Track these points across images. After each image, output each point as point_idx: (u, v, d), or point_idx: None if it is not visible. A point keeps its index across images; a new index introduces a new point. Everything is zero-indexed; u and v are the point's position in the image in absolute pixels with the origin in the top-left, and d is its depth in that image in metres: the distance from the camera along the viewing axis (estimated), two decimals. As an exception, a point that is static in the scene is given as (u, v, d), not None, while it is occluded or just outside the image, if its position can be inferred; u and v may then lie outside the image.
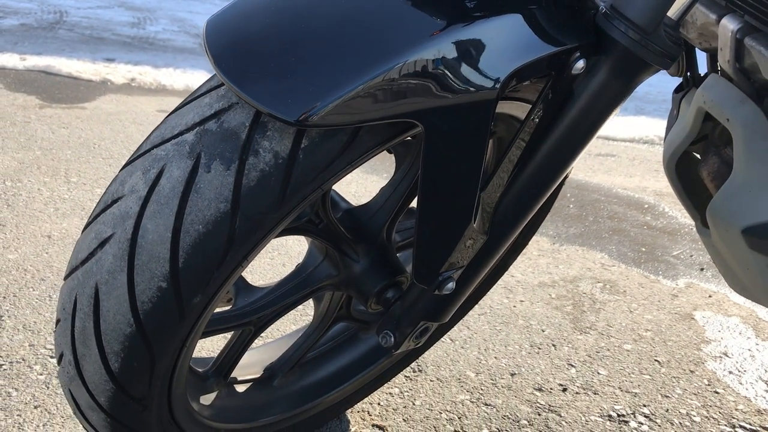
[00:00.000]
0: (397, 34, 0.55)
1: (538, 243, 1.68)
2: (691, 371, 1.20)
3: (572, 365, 1.19)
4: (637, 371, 1.19)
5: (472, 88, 0.57)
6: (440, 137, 0.58)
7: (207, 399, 0.78)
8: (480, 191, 0.64)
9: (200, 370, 0.79)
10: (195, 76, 3.14)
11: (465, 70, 0.57)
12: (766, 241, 0.77)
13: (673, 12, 0.60)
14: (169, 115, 0.60)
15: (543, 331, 1.29)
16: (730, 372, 1.21)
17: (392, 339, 0.74)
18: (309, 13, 0.56)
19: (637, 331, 1.31)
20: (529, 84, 0.66)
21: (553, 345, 1.24)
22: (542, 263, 1.58)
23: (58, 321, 0.61)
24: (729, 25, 0.77)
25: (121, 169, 0.59)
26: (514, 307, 1.37)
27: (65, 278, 0.61)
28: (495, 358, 1.19)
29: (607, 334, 1.30)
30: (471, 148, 0.60)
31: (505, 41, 0.58)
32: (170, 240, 0.53)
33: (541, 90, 0.63)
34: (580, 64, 0.61)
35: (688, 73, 0.94)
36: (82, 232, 0.60)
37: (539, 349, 1.23)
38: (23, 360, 1.06)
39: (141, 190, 0.55)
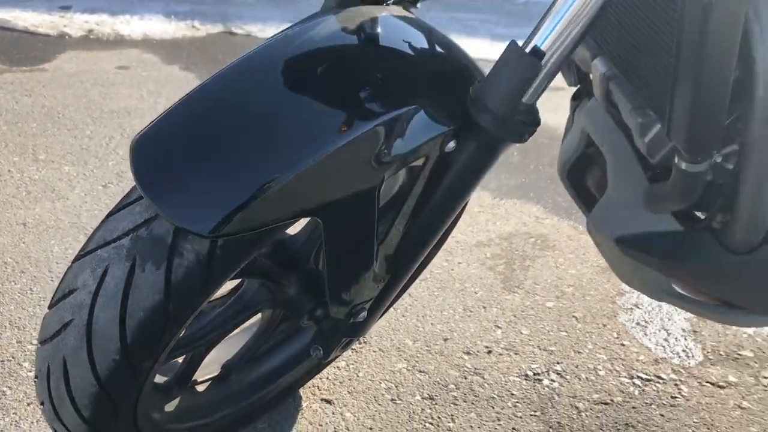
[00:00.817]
0: (290, 144, 0.67)
1: (480, 198, 1.83)
2: (604, 325, 1.37)
3: (499, 327, 1.36)
4: (556, 329, 1.36)
5: (360, 182, 0.70)
6: (336, 224, 0.70)
7: (171, 406, 0.94)
8: (379, 244, 0.78)
9: (162, 381, 0.94)
10: (152, 23, 3.15)
11: (354, 167, 0.69)
12: (635, 249, 0.91)
13: (527, 98, 0.72)
14: (107, 216, 0.72)
15: (476, 293, 1.45)
16: (638, 323, 1.38)
17: (321, 352, 0.89)
18: (217, 130, 0.67)
19: (561, 288, 1.48)
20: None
21: (484, 307, 1.41)
22: (482, 220, 1.73)
23: (36, 376, 0.75)
24: (599, 66, 0.89)
25: (74, 262, 0.72)
26: (452, 270, 1.52)
27: (39, 344, 0.75)
28: (431, 324, 1.35)
29: (533, 292, 1.46)
30: (363, 224, 0.73)
31: (391, 136, 0.70)
32: (118, 324, 0.67)
33: (422, 164, 0.76)
34: (452, 144, 0.73)
35: (579, 86, 1.05)
36: (49, 309, 0.73)
37: (471, 312, 1.39)
38: (13, 358, 1.21)
39: (91, 286, 0.68)
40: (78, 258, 0.72)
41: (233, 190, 0.64)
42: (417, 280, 1.44)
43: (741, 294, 0.90)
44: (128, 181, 1.85)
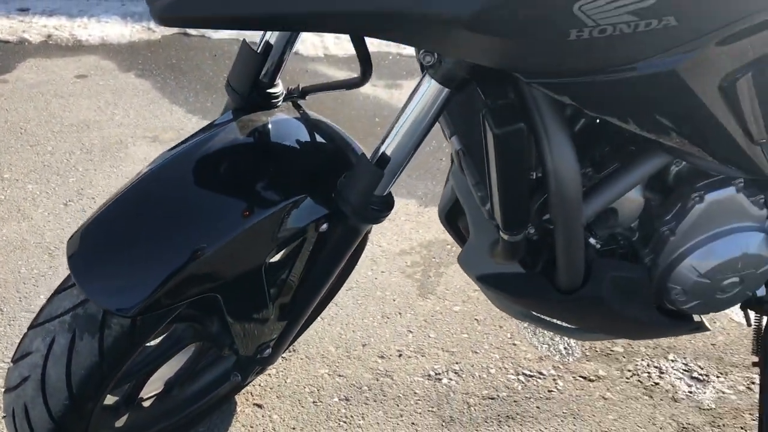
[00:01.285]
0: (194, 237, 0.87)
1: (406, 207, 2.03)
2: (500, 327, 1.60)
3: (411, 331, 1.58)
4: (459, 331, 1.58)
5: (250, 262, 0.90)
6: (232, 296, 0.91)
7: (120, 422, 1.15)
8: (273, 300, 0.99)
9: (112, 402, 1.15)
10: (109, 26, 3.28)
11: (245, 251, 0.89)
12: (492, 286, 1.13)
13: (378, 191, 0.92)
14: (53, 295, 0.92)
15: (394, 300, 1.67)
16: (529, 325, 1.61)
17: (239, 377, 1.11)
18: (135, 228, 0.87)
19: (467, 292, 1.70)
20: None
21: (399, 313, 1.63)
22: (406, 229, 1.94)
23: (5, 416, 0.96)
24: (454, 143, 1.09)
25: (29, 329, 0.92)
26: (375, 279, 1.74)
27: (4, 392, 0.95)
28: (353, 331, 1.58)
29: (443, 297, 1.69)
30: (255, 293, 0.93)
31: (278, 222, 0.90)
32: (65, 379, 0.88)
33: (299, 242, 0.96)
34: (325, 226, 0.94)
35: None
36: (12, 363, 0.94)
37: (388, 318, 1.61)
38: (-11, 376, 1.42)
39: (42, 350, 0.89)
40: (31, 327, 0.92)
41: (147, 278, 0.84)
42: (344, 290, 1.66)
43: (574, 320, 1.13)
44: (87, 199, 2.03)
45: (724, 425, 1.36)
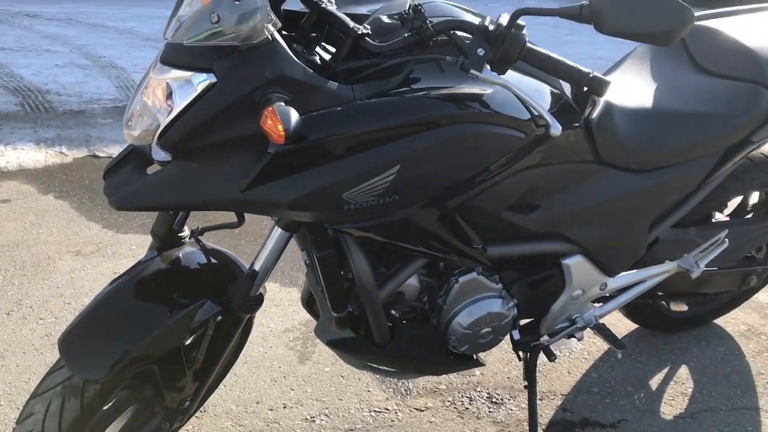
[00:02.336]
0: (137, 332, 1.40)
1: (290, 294, 2.60)
2: (359, 379, 2.17)
3: (293, 389, 2.13)
4: (328, 386, 2.14)
5: (173, 343, 1.44)
6: (164, 367, 1.45)
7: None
8: (192, 365, 1.53)
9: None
10: (25, 152, 3.74)
11: (169, 337, 1.43)
12: (335, 347, 1.70)
13: (253, 292, 1.49)
14: (48, 374, 1.43)
15: (280, 367, 2.22)
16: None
17: (168, 425, 1.62)
18: (100, 324, 1.40)
19: (335, 357, 2.26)
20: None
21: (284, 376, 2.18)
22: (290, 311, 2.50)
23: (12, 462, 1.44)
24: (304, 256, 1.68)
25: (30, 399, 1.42)
26: (265, 352, 2.28)
27: None
28: (249, 393, 2.10)
29: (317, 362, 2.25)
30: (178, 365, 1.48)
31: (186, 319, 1.45)
32: (57, 429, 1.38)
33: (204, 329, 1.52)
34: (219, 318, 1.49)
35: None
36: (17, 423, 1.42)
37: (275, 381, 2.16)
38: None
39: (42, 411, 1.39)
40: (33, 396, 1.42)
41: (110, 357, 1.37)
42: (240, 363, 2.19)
43: (391, 365, 1.72)
44: (26, 308, 2.48)
45: (510, 430, 1.97)
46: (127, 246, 2.91)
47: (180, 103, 1.24)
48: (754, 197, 2.17)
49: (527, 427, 1.90)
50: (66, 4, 8.08)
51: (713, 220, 2.07)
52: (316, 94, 1.24)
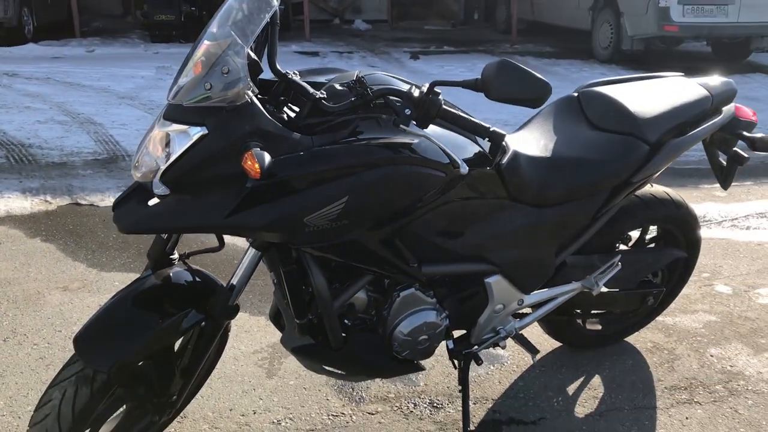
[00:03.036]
0: (135, 332, 1.74)
1: (258, 321, 2.94)
2: (319, 390, 2.50)
3: (261, 399, 2.45)
4: (293, 396, 2.47)
5: (164, 346, 1.78)
6: (158, 366, 1.79)
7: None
8: (179, 364, 1.86)
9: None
10: (12, 201, 4.05)
11: (160, 340, 1.77)
12: (297, 354, 2.04)
13: (231, 302, 1.84)
14: (64, 367, 1.75)
15: (250, 381, 2.54)
16: (335, 384, 2.53)
17: (157, 418, 1.94)
18: (108, 326, 1.74)
19: (299, 372, 2.60)
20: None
21: (253, 389, 2.50)
22: (258, 336, 2.84)
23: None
24: (272, 276, 2.04)
25: (48, 388, 1.74)
26: (237, 369, 2.61)
27: (32, 426, 1.74)
28: (223, 402, 2.42)
29: (282, 376, 2.58)
30: (169, 364, 1.82)
31: (175, 325, 1.79)
32: (71, 413, 1.69)
33: (191, 334, 1.86)
34: (203, 324, 1.84)
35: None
36: (36, 410, 1.74)
37: (245, 392, 2.48)
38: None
39: (59, 397, 1.71)
40: (51, 386, 1.74)
41: (116, 353, 1.70)
42: (215, 378, 2.51)
43: (344, 368, 2.06)
44: (20, 336, 2.78)
45: (447, 428, 2.32)
46: (111, 282, 3.22)
47: (179, 149, 1.62)
48: (653, 231, 2.60)
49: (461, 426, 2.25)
50: (42, 64, 8.45)
51: (616, 250, 2.48)
52: (284, 142, 1.63)
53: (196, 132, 1.61)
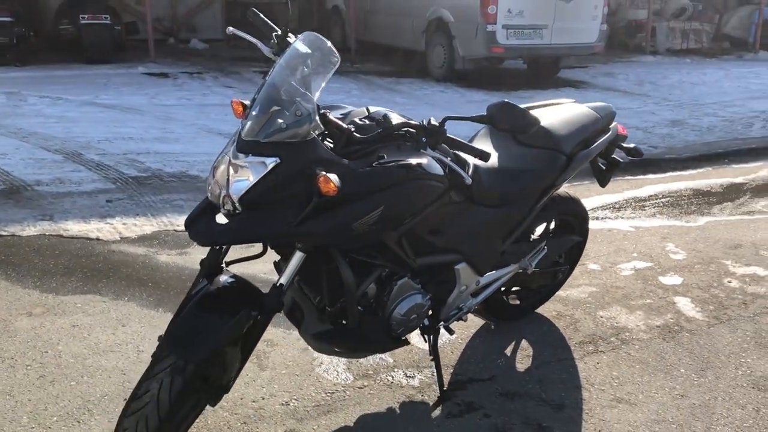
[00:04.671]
0: (210, 328, 2.11)
1: (230, 325, 3.29)
2: (317, 379, 2.94)
3: (263, 387, 2.84)
4: (289, 381, 2.89)
5: (234, 335, 2.18)
6: (230, 348, 2.18)
7: None
8: (238, 346, 2.25)
9: None
10: None
11: (232, 332, 2.16)
12: (316, 338, 2.49)
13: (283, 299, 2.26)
14: (153, 363, 2.08)
15: (248, 375, 2.92)
16: (323, 364, 2.99)
17: (212, 403, 2.30)
18: (189, 324, 2.10)
19: (285, 362, 3.01)
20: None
21: (253, 380, 2.88)
22: (236, 337, 3.20)
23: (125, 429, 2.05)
24: (294, 280, 2.48)
25: (142, 381, 2.06)
26: (231, 366, 2.97)
27: (125, 416, 2.05)
28: (232, 394, 2.78)
29: (274, 368, 2.98)
30: (234, 349, 2.21)
31: (241, 321, 2.18)
32: (168, 399, 2.03)
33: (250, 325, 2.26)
34: (258, 316, 2.24)
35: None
36: (131, 401, 2.05)
37: (248, 384, 2.86)
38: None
39: (156, 388, 2.04)
40: (146, 379, 2.05)
41: (201, 346, 2.07)
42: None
43: (357, 347, 2.54)
44: (9, 360, 2.93)
45: (421, 393, 2.86)
46: (73, 305, 3.41)
47: (256, 176, 2.04)
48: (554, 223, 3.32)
49: (436, 388, 2.81)
50: None
51: (532, 238, 3.17)
52: (337, 167, 2.10)
53: (272, 162, 2.04)
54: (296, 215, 2.08)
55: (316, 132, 2.08)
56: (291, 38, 2.36)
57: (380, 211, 2.18)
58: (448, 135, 2.23)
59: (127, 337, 3.17)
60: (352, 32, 12.22)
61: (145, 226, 4.45)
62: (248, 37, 2.56)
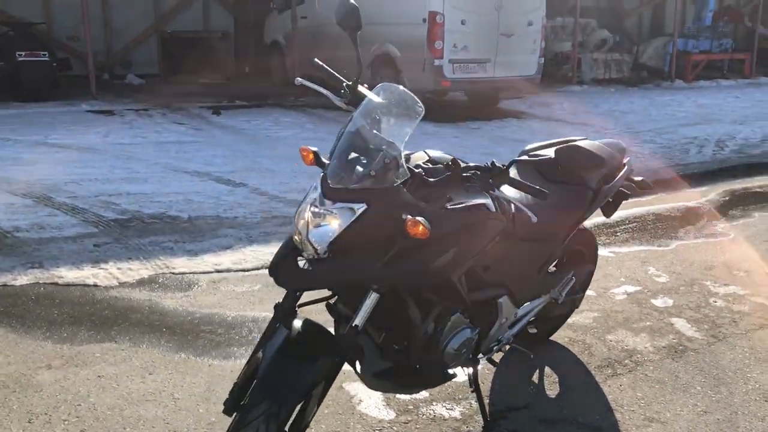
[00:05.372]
0: (300, 375, 2.15)
1: (259, 368, 3.29)
2: (378, 418, 2.98)
3: (311, 428, 2.86)
4: (334, 421, 2.91)
5: (324, 375, 2.21)
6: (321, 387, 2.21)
7: None
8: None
9: None
10: None
11: (321, 373, 2.20)
12: (377, 377, 2.55)
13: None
14: (245, 412, 2.09)
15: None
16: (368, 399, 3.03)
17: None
18: (273, 371, 2.13)
19: (328, 403, 3.04)
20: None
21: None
22: (268, 380, 3.20)
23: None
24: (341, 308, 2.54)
25: (239, 430, 2.07)
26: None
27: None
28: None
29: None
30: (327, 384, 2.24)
31: (325, 367, 2.23)
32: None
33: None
34: (337, 359, 2.29)
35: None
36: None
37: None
38: None
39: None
40: (240, 427, 2.06)
41: (294, 392, 2.10)
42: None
43: (414, 383, 2.61)
44: (42, 416, 2.84)
45: (465, 425, 2.94)
46: (91, 354, 3.33)
47: (345, 222, 2.11)
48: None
49: (478, 418, 2.91)
50: None
51: (552, 268, 3.33)
52: (418, 211, 2.19)
53: (360, 207, 2.12)
54: (381, 258, 2.15)
55: (402, 178, 2.17)
56: (362, 88, 2.45)
57: (454, 250, 2.28)
58: (511, 176, 2.36)
59: (158, 385, 3.12)
60: (295, 67, 12.26)
61: (140, 270, 4.37)
62: (318, 87, 2.63)
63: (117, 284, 4.18)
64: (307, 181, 6.36)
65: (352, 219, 2.12)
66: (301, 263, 2.21)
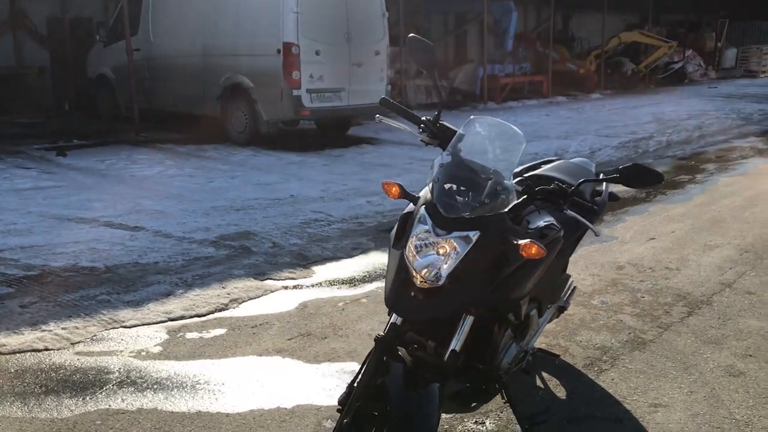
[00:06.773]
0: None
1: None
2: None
3: None
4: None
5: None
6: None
7: None
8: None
9: None
10: None
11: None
12: (459, 395, 2.63)
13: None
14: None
15: None
16: None
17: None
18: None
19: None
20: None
21: (353, 457, 2.87)
22: (301, 397, 3.13)
23: None
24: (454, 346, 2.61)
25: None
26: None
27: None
28: None
29: None
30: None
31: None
32: None
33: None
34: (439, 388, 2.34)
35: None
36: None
37: None
38: None
39: None
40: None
41: (420, 426, 2.13)
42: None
43: (479, 401, 2.72)
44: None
45: (507, 433, 3.10)
46: (91, 423, 3.04)
47: (463, 250, 2.20)
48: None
49: (512, 427, 3.07)
50: None
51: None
52: (519, 235, 2.33)
53: (475, 234, 2.22)
54: (490, 283, 2.26)
55: (510, 204, 2.30)
56: (444, 121, 2.53)
57: (540, 269, 2.45)
58: (574, 197, 2.57)
59: (187, 444, 2.93)
60: (135, 100, 11.66)
61: (88, 327, 4.02)
62: (400, 124, 2.66)
63: (70, 345, 3.80)
64: (203, 219, 6.18)
65: (469, 247, 2.21)
66: (411, 293, 2.26)
